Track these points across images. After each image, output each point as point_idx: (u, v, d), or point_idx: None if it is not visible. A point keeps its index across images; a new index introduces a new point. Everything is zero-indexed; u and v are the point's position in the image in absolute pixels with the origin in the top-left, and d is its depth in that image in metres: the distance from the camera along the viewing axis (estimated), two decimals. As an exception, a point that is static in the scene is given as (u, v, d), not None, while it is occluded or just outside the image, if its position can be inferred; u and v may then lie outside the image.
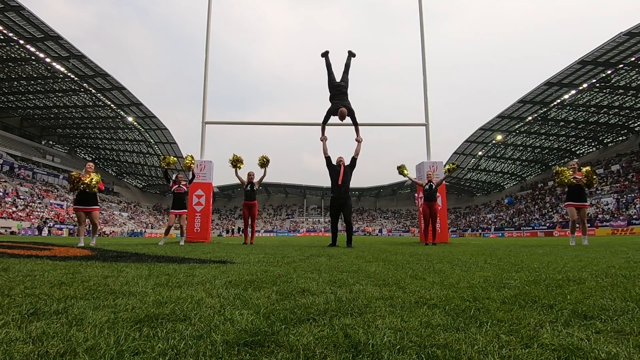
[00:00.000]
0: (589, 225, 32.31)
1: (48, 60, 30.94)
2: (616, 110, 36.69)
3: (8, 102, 41.95)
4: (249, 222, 9.07)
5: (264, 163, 8.68)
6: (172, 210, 8.09)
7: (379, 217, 69.32)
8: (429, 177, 8.85)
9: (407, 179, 9.76)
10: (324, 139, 7.48)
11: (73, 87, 36.46)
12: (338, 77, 7.78)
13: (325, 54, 8.03)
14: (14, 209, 33.15)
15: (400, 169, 9.57)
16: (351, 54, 8.17)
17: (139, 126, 44.56)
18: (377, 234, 57.97)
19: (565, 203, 7.46)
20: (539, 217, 42.12)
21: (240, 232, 48.25)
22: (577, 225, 7.41)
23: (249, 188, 8.98)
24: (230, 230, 54.35)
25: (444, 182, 9.49)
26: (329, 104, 7.57)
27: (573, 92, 33.31)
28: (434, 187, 8.72)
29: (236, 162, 8.78)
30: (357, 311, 1.32)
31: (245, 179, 9.00)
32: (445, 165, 9.12)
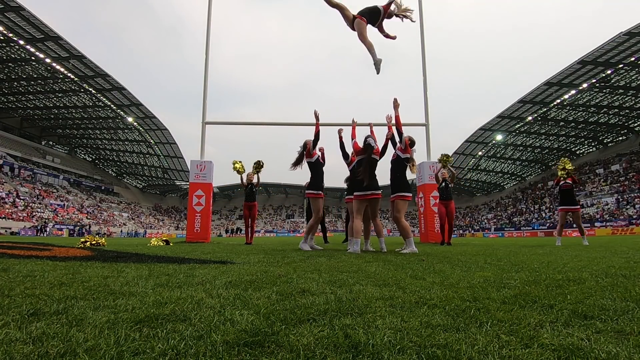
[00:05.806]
0: (588, 225, 32.48)
1: (48, 60, 30.93)
2: (616, 110, 36.71)
3: (8, 103, 41.95)
4: (249, 222, 9.10)
5: (259, 166, 8.78)
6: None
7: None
8: (443, 175, 8.54)
9: (440, 172, 8.54)
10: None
11: (73, 87, 36.45)
12: None
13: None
14: (14, 209, 33.15)
15: (445, 160, 8.34)
16: None
17: (139, 126, 44.55)
18: (377, 234, 57.76)
19: (559, 207, 8.10)
20: (539, 217, 42.12)
21: (241, 232, 48.33)
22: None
23: (249, 189, 9.03)
24: (230, 231, 54.42)
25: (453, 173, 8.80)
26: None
27: (573, 92, 33.31)
28: (449, 185, 8.46)
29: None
30: (357, 311, 1.32)
31: (245, 181, 9.03)
32: (445, 162, 8.72)
